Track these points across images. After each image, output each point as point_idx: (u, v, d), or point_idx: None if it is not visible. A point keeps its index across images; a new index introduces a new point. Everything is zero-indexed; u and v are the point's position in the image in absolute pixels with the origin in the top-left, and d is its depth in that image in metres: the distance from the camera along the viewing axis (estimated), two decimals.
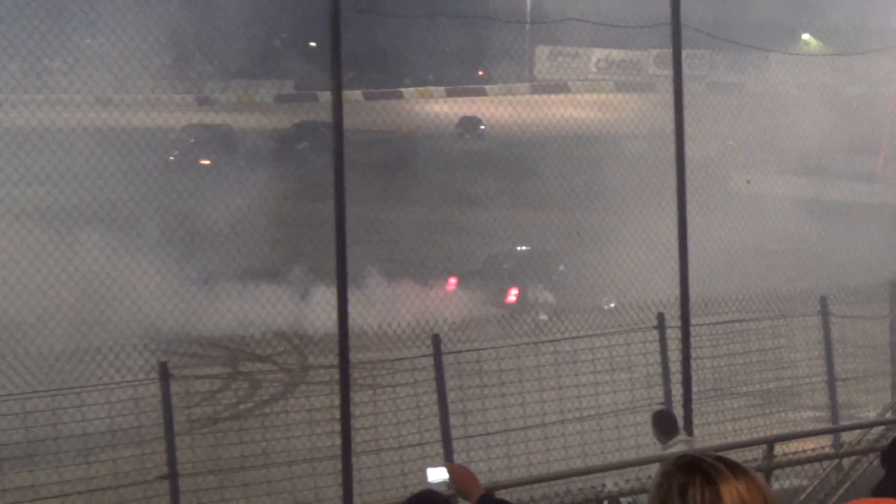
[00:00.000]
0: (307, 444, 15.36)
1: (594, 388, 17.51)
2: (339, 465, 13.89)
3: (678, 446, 12.75)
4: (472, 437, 16.19)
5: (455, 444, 15.65)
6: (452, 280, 23.98)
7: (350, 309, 12.55)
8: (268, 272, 19.61)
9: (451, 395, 15.77)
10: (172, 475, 14.01)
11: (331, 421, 14.56)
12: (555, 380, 17.23)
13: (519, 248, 26.24)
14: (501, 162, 30.87)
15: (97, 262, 18.52)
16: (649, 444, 16.78)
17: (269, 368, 15.28)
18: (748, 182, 29.77)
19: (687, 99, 16.73)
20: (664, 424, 13.19)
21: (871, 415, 17.61)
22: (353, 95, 25.31)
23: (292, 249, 18.33)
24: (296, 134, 23.06)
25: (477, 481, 5.43)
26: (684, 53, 15.43)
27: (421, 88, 37.84)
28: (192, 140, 21.84)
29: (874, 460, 12.97)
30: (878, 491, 9.35)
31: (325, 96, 13.46)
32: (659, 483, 3.28)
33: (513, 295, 23.30)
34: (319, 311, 16.14)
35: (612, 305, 26.46)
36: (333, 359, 13.94)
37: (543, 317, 20.48)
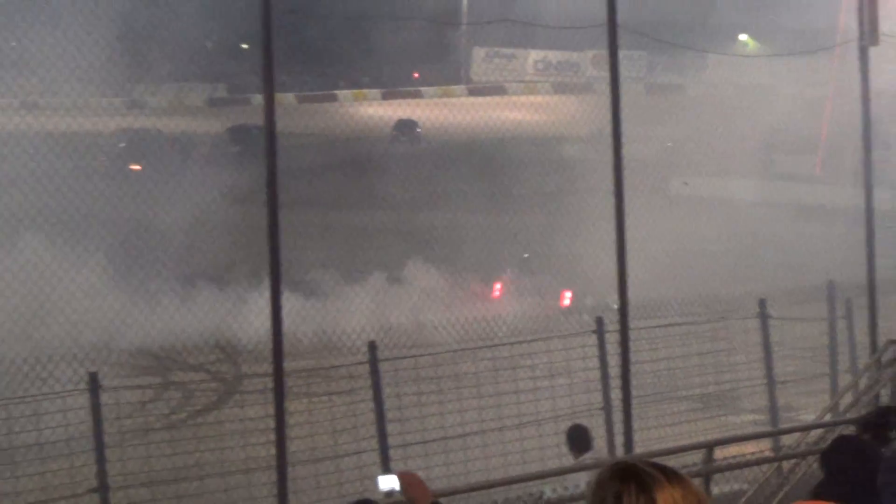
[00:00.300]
0: (241, 454, 15.09)
1: (533, 393, 17.37)
2: (275, 476, 13.66)
3: (589, 462, 12.61)
4: (409, 445, 15.99)
5: (392, 452, 15.44)
6: (497, 286, 23.87)
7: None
8: (201, 279, 19.31)
9: (388, 403, 15.57)
10: (103, 488, 13.72)
11: (265, 431, 14.30)
12: (493, 386, 17.07)
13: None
14: (439, 164, 30.73)
15: (24, 270, 18.17)
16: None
17: (201, 378, 15.00)
18: (685, 184, 29.80)
19: (625, 100, 16.61)
20: (578, 440, 13.03)
21: (811, 417, 17.55)
22: (286, 98, 25.01)
23: (225, 256, 18.06)
24: (228, 138, 22.79)
25: (427, 489, 5.52)
26: (622, 54, 15.30)
27: (355, 91, 37.62)
28: (122, 145, 21.52)
29: (814, 463, 12.89)
30: (818, 493, 9.24)
31: (258, 99, 13.19)
32: (594, 491, 3.26)
33: (567, 298, 23.06)
34: (253, 318, 15.91)
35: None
36: (268, 367, 13.68)
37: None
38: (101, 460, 13.68)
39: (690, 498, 3.21)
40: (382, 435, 15.24)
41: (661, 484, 3.16)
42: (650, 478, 3.17)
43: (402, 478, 5.63)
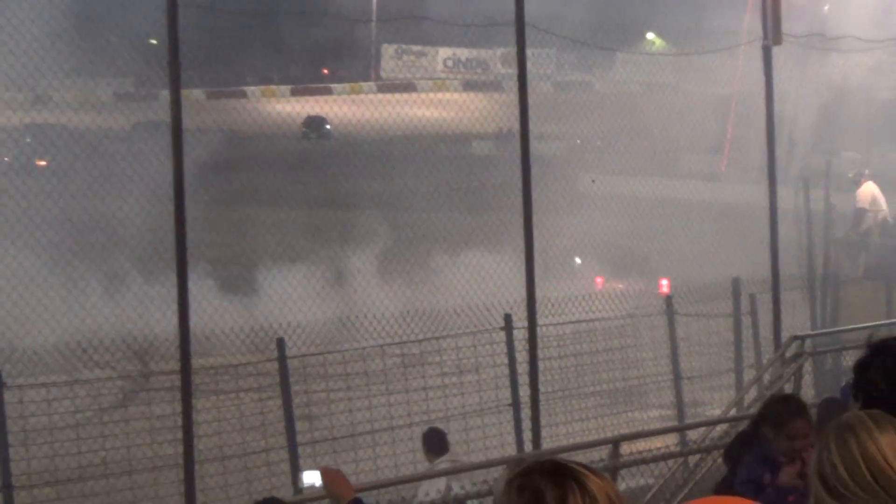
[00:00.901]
0: (148, 452, 14.98)
1: (442, 390, 17.40)
2: (182, 474, 13.57)
3: (444, 465, 12.55)
4: (318, 442, 15.96)
5: (301, 449, 15.40)
6: (599, 279, 23.79)
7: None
8: (111, 275, 19.13)
9: (296, 400, 15.53)
10: (7, 488, 13.56)
11: (173, 429, 14.21)
12: (402, 383, 17.08)
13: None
14: (348, 161, 30.67)
15: None
16: (496, 447, 16.75)
17: (108, 376, 14.85)
18: (593, 181, 29.97)
19: (533, 98, 16.68)
20: (435, 443, 12.96)
21: (716, 412, 17.76)
22: (195, 94, 24.82)
23: (131, 252, 17.91)
24: (135, 133, 22.60)
25: (349, 484, 5.51)
26: (530, 52, 15.37)
27: (265, 87, 37.44)
28: (28, 140, 21.26)
29: (719, 458, 13.03)
30: (721, 488, 9.37)
31: (166, 95, 13.09)
32: (518, 493, 3.15)
33: (664, 286, 23.06)
34: (161, 315, 15.78)
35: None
36: (175, 364, 13.60)
37: None
38: (4, 459, 13.52)
39: (613, 489, 3.20)
40: (291, 432, 15.20)
41: (591, 479, 3.14)
42: (581, 474, 3.15)
43: (325, 473, 5.61)
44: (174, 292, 13.01)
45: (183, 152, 12.90)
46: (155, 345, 14.95)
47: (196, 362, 13.84)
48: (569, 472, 3.16)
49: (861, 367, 4.54)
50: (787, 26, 18.01)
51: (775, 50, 17.39)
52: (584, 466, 3.20)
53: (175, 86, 12.74)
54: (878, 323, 18.50)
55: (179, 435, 13.34)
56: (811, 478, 3.64)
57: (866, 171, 23.47)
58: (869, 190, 22.56)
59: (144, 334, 15.27)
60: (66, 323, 17.51)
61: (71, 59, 19.91)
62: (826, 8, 38.16)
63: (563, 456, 14.18)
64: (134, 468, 14.86)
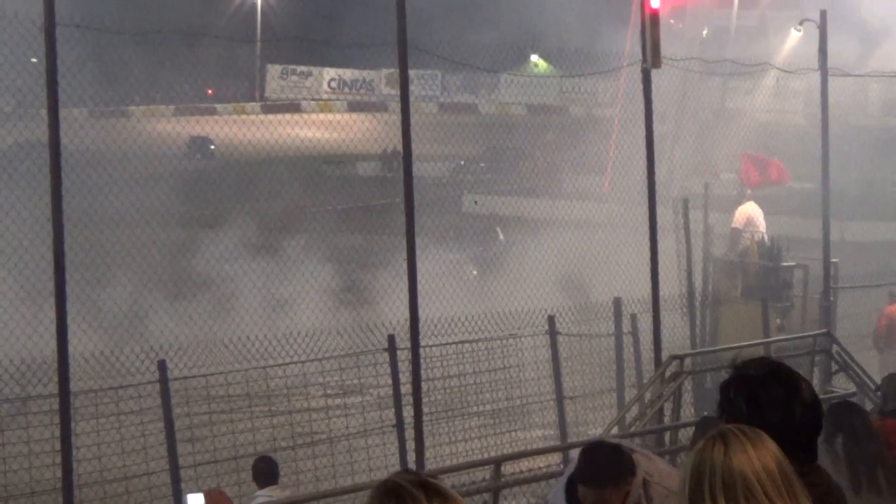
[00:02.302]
0: (26, 477, 14.73)
1: (325, 412, 17.35)
2: (61, 498, 13.37)
3: (260, 499, 12.24)
4: (200, 465, 15.82)
5: (183, 472, 15.25)
6: None
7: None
8: None
9: (178, 423, 15.38)
10: None
11: (51, 453, 13.99)
12: (286, 404, 17.01)
13: None
14: (232, 182, 30.51)
15: None
16: (381, 468, 16.73)
17: None
18: (475, 203, 30.16)
19: (417, 119, 16.72)
20: (265, 473, 12.49)
21: (598, 431, 17.91)
22: (77, 114, 24.52)
23: (7, 273, 17.65)
24: (15, 153, 22.28)
25: None
26: (416, 74, 15.45)
27: (148, 107, 37.13)
28: None
29: None
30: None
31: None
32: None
33: None
34: (38, 338, 15.56)
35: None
36: (53, 388, 13.39)
37: None
38: None
39: None
40: (173, 455, 15.05)
41: (419, 501, 3.23)
42: (410, 496, 3.24)
43: (209, 496, 5.56)
44: (52, 314, 12.85)
45: (61, 172, 12.74)
46: (32, 368, 14.72)
47: (75, 385, 13.66)
48: (397, 493, 3.27)
49: (725, 388, 4.64)
50: (667, 50, 18.26)
51: (656, 72, 17.63)
52: (428, 490, 3.29)
53: (53, 104, 12.58)
54: (755, 342, 18.81)
55: (58, 459, 13.16)
56: (683, 479, 3.76)
57: (748, 192, 23.78)
58: (745, 211, 22.88)
59: (22, 357, 15.02)
60: None
61: None
62: (704, 33, 38.81)
63: (446, 477, 14.22)
64: (11, 493, 14.61)
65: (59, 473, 13.15)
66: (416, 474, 3.38)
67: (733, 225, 22.79)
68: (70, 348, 12.92)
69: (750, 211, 22.92)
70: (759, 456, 3.73)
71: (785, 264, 21.73)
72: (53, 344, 12.87)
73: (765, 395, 4.45)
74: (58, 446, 13.06)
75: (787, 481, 3.72)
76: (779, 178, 24.53)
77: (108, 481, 15.22)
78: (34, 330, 16.08)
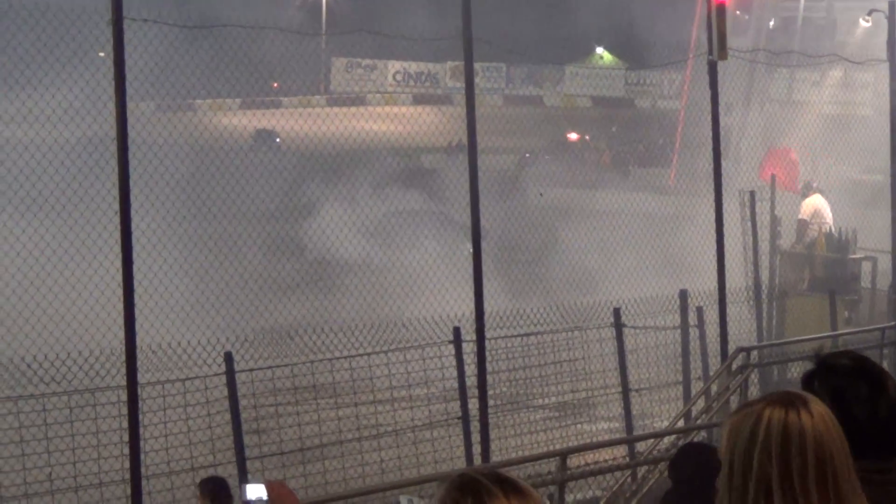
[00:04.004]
0: (94, 468, 14.87)
1: (391, 404, 17.39)
2: (129, 489, 13.50)
3: None
4: (266, 456, 15.91)
5: (249, 464, 15.34)
6: None
7: None
8: (52, 290, 18.99)
9: (244, 415, 15.47)
10: None
11: (120, 444, 14.13)
12: (351, 396, 17.06)
13: None
14: (299, 175, 30.63)
15: None
16: (447, 460, 16.76)
17: (54, 391, 14.74)
18: (541, 195, 30.11)
19: (482, 111, 16.72)
20: (215, 492, 11.25)
21: (664, 424, 17.84)
22: (144, 107, 24.72)
23: (76, 266, 17.79)
24: (84, 147, 22.45)
25: (295, 497, 5.46)
26: (481, 66, 15.52)
27: (214, 101, 37.35)
28: None
29: (665, 470, 13.11)
30: (667, 499, 9.41)
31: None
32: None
33: None
34: (106, 330, 15.68)
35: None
36: (121, 379, 13.53)
37: None
38: None
39: None
40: (239, 447, 15.14)
41: (495, 497, 3.16)
42: (487, 492, 3.16)
43: (271, 487, 5.56)
44: (120, 307, 12.98)
45: (129, 166, 12.87)
46: (101, 360, 14.85)
47: (143, 377, 13.79)
48: (473, 488, 3.19)
49: (807, 381, 4.54)
50: (734, 41, 18.15)
51: (722, 64, 17.53)
52: (504, 485, 3.20)
53: (121, 99, 12.71)
54: (823, 335, 18.68)
55: (126, 450, 13.28)
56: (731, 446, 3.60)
57: (814, 184, 23.64)
58: (812, 203, 22.72)
59: (90, 349, 15.16)
60: (10, 338, 17.38)
61: (14, 72, 19.81)
62: (771, 24, 38.51)
63: (511, 469, 14.22)
64: (80, 484, 14.75)
65: (127, 464, 13.30)
66: (492, 469, 3.33)
67: (800, 217, 22.64)
68: (138, 340, 13.06)
69: (816, 203, 22.77)
70: (825, 417, 3.56)
71: (853, 256, 21.55)
72: (122, 335, 13.01)
73: (850, 390, 4.35)
74: (126, 437, 13.20)
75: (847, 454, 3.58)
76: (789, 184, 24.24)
77: (176, 472, 15.32)
78: (103, 321, 16.23)
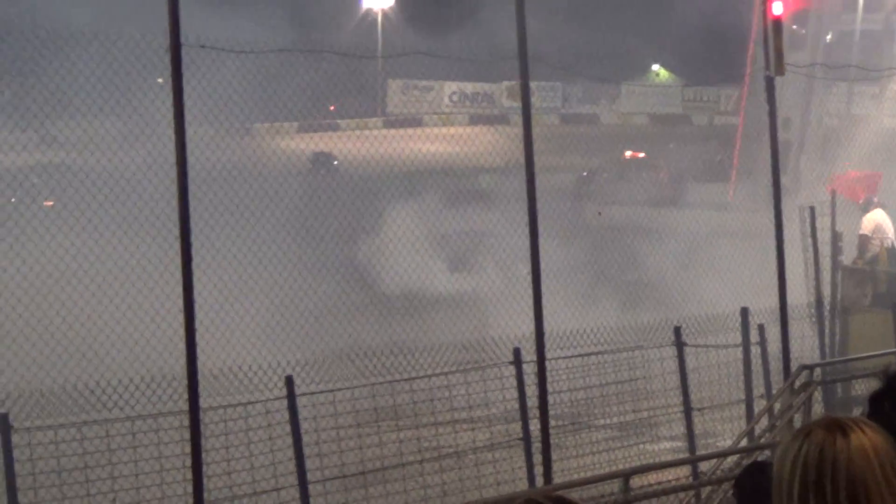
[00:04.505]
0: (158, 493, 14.93)
1: (452, 426, 17.35)
2: None
3: None
4: (328, 480, 15.91)
5: (312, 487, 15.36)
6: None
7: None
8: (114, 317, 19.14)
9: (306, 438, 15.49)
10: None
11: (182, 469, 14.18)
12: (412, 419, 17.05)
13: None
14: (357, 197, 30.72)
15: None
16: (509, 482, 16.70)
17: (117, 416, 14.83)
18: (599, 214, 30.03)
19: (539, 130, 16.70)
20: None
21: (727, 443, 17.70)
22: (203, 133, 24.88)
23: (138, 293, 17.95)
24: (144, 173, 22.70)
25: None
26: (536, 85, 15.49)
27: (272, 124, 37.54)
28: (34, 181, 21.39)
29: (730, 490, 13.00)
30: None
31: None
32: None
33: None
34: (168, 355, 15.78)
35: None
36: (183, 404, 13.58)
37: None
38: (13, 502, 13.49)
39: None
40: (301, 470, 15.16)
41: None
42: None
43: None
44: (182, 332, 13.03)
45: (188, 191, 12.93)
46: (163, 385, 14.93)
47: (205, 401, 13.83)
48: None
49: (875, 400, 4.46)
50: (791, 56, 18.04)
51: (780, 79, 17.42)
52: None
53: (180, 125, 12.78)
54: (887, 351, 18.45)
55: (189, 475, 13.32)
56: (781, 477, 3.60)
57: (875, 199, 23.43)
58: (874, 217, 22.52)
59: (152, 374, 15.25)
60: (74, 363, 17.51)
61: (75, 100, 20.00)
62: (828, 38, 38.26)
63: (574, 491, 14.15)
64: None
65: (189, 489, 13.32)
66: (555, 491, 3.33)
67: (861, 232, 22.43)
68: (199, 364, 13.10)
69: (878, 218, 22.57)
70: (864, 445, 3.54)
71: None
72: (183, 360, 13.06)
73: None
74: (188, 462, 13.24)
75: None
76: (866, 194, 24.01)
77: (238, 497, 15.35)
78: (164, 346, 16.32)
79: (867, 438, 3.53)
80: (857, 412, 15.15)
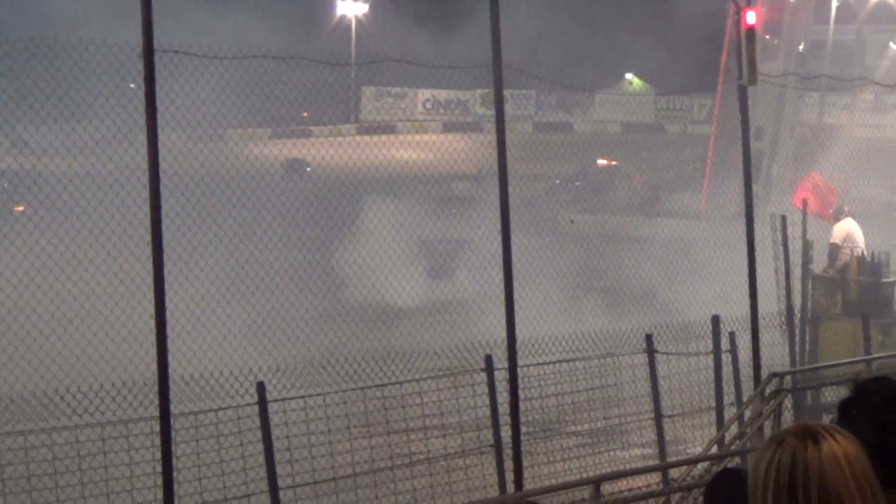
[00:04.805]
0: (128, 499, 14.89)
1: (423, 432, 17.36)
2: None
3: None
4: (299, 486, 15.89)
5: (282, 494, 15.34)
6: None
7: None
8: (85, 321, 19.07)
9: (277, 444, 15.47)
10: None
11: (152, 475, 14.15)
12: (383, 425, 17.04)
13: None
14: (329, 203, 30.68)
15: None
16: (480, 488, 16.72)
17: (87, 422, 14.78)
18: (571, 222, 30.12)
19: (512, 138, 16.74)
20: None
21: (698, 450, 17.76)
22: (175, 138, 24.83)
23: (109, 297, 17.92)
24: (116, 178, 22.61)
25: None
26: (510, 93, 15.55)
27: (245, 130, 37.49)
28: (5, 185, 21.34)
29: (700, 496, 13.05)
30: None
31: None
32: None
33: None
34: (138, 360, 15.74)
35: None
36: (154, 410, 13.55)
37: None
38: None
39: None
40: (272, 476, 15.14)
41: None
42: None
43: None
44: (153, 338, 13.01)
45: (161, 197, 12.92)
46: (133, 391, 14.89)
47: (176, 407, 13.80)
48: None
49: (845, 408, 4.49)
50: (763, 66, 18.14)
51: (752, 89, 17.51)
52: None
53: (152, 130, 12.77)
54: (857, 359, 18.57)
55: (160, 481, 13.30)
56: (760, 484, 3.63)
57: (846, 208, 23.52)
58: (844, 226, 22.62)
59: (123, 380, 15.21)
60: (44, 369, 17.46)
61: (47, 105, 19.96)
62: (801, 48, 38.45)
63: (544, 497, 14.19)
64: None
65: (160, 495, 13.30)
66: (527, 497, 3.33)
67: (832, 241, 22.54)
68: (170, 370, 13.08)
69: (849, 227, 22.67)
70: (836, 452, 3.58)
71: (886, 280, 21.44)
72: (154, 366, 13.03)
73: (889, 417, 4.30)
74: (159, 468, 13.22)
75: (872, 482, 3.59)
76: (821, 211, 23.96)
77: (209, 503, 15.33)
78: (136, 352, 16.28)
79: (839, 446, 3.57)
80: (826, 419, 15.22)
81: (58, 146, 19.40)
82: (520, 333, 15.83)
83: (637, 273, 25.69)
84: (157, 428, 13.29)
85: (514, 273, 15.44)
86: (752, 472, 3.63)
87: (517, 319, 15.57)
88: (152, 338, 13.02)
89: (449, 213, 30.42)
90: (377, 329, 23.75)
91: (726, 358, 18.93)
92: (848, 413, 4.43)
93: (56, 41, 18.79)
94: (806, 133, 34.69)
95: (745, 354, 18.30)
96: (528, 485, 15.95)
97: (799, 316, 21.02)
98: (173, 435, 13.38)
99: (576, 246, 28.53)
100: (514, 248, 15.61)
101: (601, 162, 47.45)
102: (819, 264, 22.45)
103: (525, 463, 16.03)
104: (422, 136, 45.77)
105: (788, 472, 3.55)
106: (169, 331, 12.97)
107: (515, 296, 15.44)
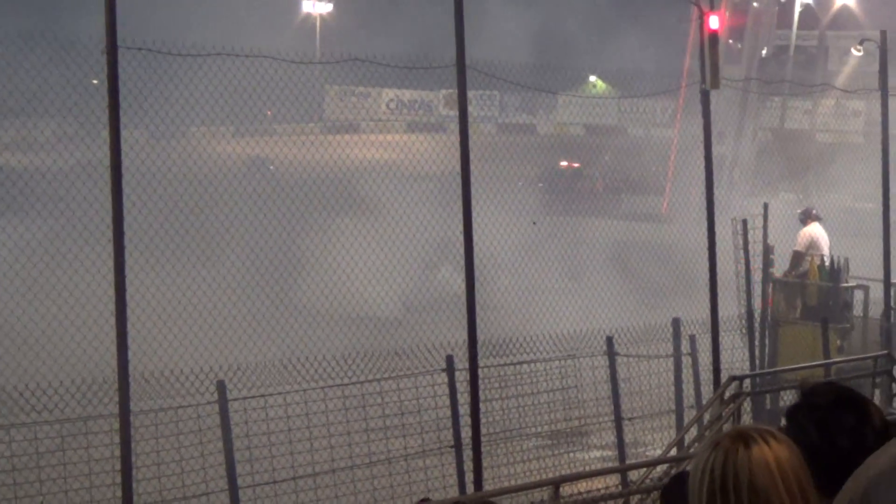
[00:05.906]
0: (87, 496, 14.83)
1: (384, 432, 17.36)
2: None
3: None
4: (259, 485, 15.87)
5: (242, 493, 15.32)
6: None
7: None
8: (45, 318, 18.97)
9: (237, 443, 15.44)
10: None
11: (111, 472, 14.11)
12: (343, 425, 17.03)
13: None
14: (292, 202, 30.59)
15: None
16: (440, 489, 16.73)
17: (46, 419, 14.71)
18: (534, 223, 30.17)
19: (475, 139, 16.76)
20: None
21: (657, 452, 17.84)
22: (138, 135, 24.75)
23: (70, 295, 17.82)
24: (78, 174, 22.44)
25: None
26: (474, 94, 15.50)
27: (208, 128, 37.34)
28: None
29: (658, 499, 13.12)
30: None
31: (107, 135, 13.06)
32: None
33: None
34: (98, 357, 15.68)
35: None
36: (113, 407, 13.51)
37: None
38: None
39: None
40: (232, 475, 15.12)
41: None
42: None
43: None
44: (113, 335, 12.97)
45: (122, 193, 12.88)
46: (93, 388, 14.82)
47: (135, 405, 13.76)
48: None
49: (792, 414, 4.55)
50: (726, 70, 18.23)
51: (715, 92, 17.60)
52: None
53: (115, 126, 12.73)
54: (815, 363, 18.69)
55: (118, 479, 13.26)
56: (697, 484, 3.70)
57: (813, 211, 23.45)
58: (810, 232, 22.59)
59: (83, 377, 15.14)
60: (2, 366, 17.37)
61: (9, 100, 19.85)
62: (763, 53, 38.66)
63: (504, 498, 14.21)
64: None
65: (119, 493, 13.27)
66: (485, 498, 3.36)
67: (795, 248, 22.52)
68: (130, 367, 13.04)
69: (814, 232, 22.62)
70: (766, 457, 3.66)
71: (845, 285, 21.56)
72: (114, 363, 12.99)
73: (835, 421, 4.36)
74: (118, 466, 13.18)
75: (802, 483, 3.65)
76: None
77: (168, 501, 15.29)
78: (95, 349, 16.22)
79: (770, 450, 3.64)
80: (784, 423, 15.31)
81: (19, 141, 19.31)
82: (480, 334, 15.86)
83: (597, 275, 25.75)
84: (116, 426, 13.25)
85: (476, 274, 15.46)
86: (691, 473, 3.73)
87: (477, 321, 15.59)
88: (112, 335, 12.98)
89: (415, 214, 30.41)
90: (339, 330, 23.73)
91: (686, 361, 19.02)
92: (795, 418, 4.50)
93: (18, 35, 18.68)
94: (768, 137, 34.88)
95: (705, 358, 18.39)
96: (488, 485, 15.99)
97: (759, 320, 21.14)
98: (133, 433, 13.33)
99: (538, 247, 28.56)
100: (475, 249, 15.63)
101: (563, 164, 47.57)
102: (780, 268, 22.56)
103: (485, 464, 16.07)
104: (385, 136, 45.73)
105: (721, 474, 3.63)
106: (129, 328, 12.93)
107: (477, 297, 15.48)
